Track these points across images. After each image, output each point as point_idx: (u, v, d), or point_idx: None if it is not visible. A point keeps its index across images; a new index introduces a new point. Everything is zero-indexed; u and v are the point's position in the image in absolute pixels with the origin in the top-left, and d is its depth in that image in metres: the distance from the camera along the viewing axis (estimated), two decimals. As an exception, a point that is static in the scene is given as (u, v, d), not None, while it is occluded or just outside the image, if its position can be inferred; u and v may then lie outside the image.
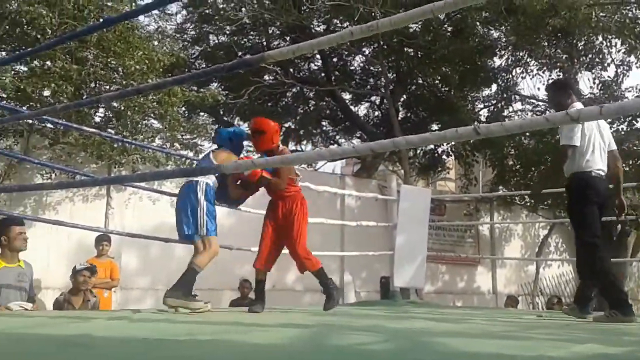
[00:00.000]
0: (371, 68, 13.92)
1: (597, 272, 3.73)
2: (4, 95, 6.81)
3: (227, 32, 12.83)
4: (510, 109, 13.48)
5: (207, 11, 12.48)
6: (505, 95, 13.18)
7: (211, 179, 4.16)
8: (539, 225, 14.08)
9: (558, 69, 12.15)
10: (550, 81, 6.85)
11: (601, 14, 10.55)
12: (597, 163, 3.87)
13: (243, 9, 11.60)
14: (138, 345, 2.17)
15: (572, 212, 3.96)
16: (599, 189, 3.80)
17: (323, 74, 13.75)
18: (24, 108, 6.42)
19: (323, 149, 12.04)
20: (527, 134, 11.20)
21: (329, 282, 4.35)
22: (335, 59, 13.78)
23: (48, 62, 7.18)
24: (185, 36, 13.12)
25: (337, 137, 15.58)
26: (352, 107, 14.35)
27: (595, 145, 3.89)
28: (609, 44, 11.59)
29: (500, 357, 1.86)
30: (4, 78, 6.72)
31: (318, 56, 13.30)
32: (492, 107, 13.45)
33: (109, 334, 2.59)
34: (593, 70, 12.08)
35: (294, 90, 13.31)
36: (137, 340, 2.34)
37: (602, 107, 1.22)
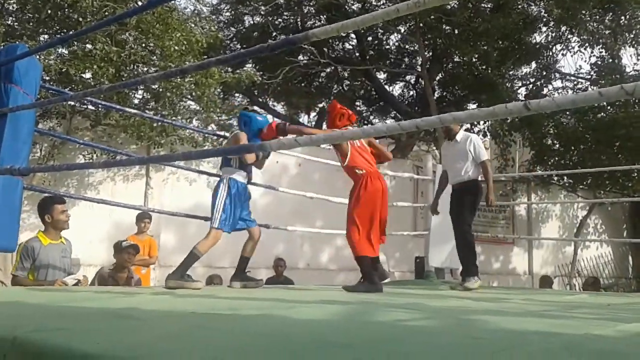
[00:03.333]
0: (406, 47, 13.72)
1: (465, 245, 4.96)
2: (47, 78, 6.97)
3: (262, 13, 12.81)
4: (550, 87, 13.17)
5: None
6: (544, 73, 12.87)
7: (240, 174, 4.30)
8: (577, 206, 13.81)
9: (600, 45, 11.78)
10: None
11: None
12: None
13: (278, -12, 11.56)
14: (187, 318, 2.22)
15: (463, 205, 4.97)
16: (482, 192, 5.09)
17: (358, 54, 13.63)
18: (66, 90, 6.57)
19: (366, 126, 11.92)
20: (567, 112, 10.92)
21: (370, 273, 4.29)
22: (370, 38, 13.63)
23: (89, 45, 7.29)
24: (220, 18, 13.17)
25: (372, 117, 15.49)
26: (386, 86, 14.22)
27: None
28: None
29: (546, 335, 1.86)
30: (47, 60, 6.88)
31: (353, 35, 13.18)
32: (531, 85, 13.15)
33: (157, 307, 2.63)
34: (637, 47, 11.70)
35: (328, 70, 13.24)
36: (185, 313, 2.40)
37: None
